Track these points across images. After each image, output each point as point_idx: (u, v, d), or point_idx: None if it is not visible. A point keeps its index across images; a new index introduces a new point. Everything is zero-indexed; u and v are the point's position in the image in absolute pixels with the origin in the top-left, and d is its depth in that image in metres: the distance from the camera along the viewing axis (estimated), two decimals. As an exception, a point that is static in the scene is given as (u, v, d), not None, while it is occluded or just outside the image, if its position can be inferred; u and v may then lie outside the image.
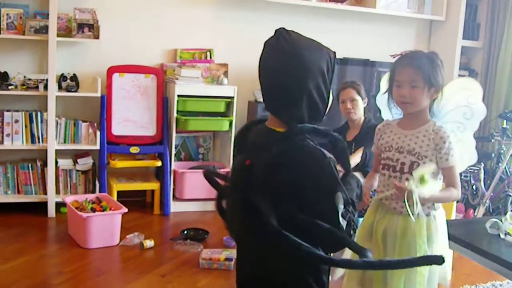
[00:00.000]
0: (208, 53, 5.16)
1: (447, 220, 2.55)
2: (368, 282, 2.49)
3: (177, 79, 4.82)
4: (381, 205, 2.51)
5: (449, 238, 2.58)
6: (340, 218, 1.63)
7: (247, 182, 1.70)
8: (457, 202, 4.30)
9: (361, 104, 3.99)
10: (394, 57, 2.46)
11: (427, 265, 2.20)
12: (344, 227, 1.65)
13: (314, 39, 1.78)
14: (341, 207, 1.64)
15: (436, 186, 2.33)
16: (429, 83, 2.34)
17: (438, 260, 1.68)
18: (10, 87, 4.43)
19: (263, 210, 1.63)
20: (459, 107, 2.53)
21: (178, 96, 4.79)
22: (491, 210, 5.14)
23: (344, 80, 4.45)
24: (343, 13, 5.58)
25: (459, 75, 5.71)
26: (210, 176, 2.00)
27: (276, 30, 1.76)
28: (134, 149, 4.78)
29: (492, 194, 5.03)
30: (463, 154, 2.57)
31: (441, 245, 2.43)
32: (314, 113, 1.74)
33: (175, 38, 5.12)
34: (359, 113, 4.00)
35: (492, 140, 5.27)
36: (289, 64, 1.69)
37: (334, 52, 1.76)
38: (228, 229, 1.94)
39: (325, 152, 1.70)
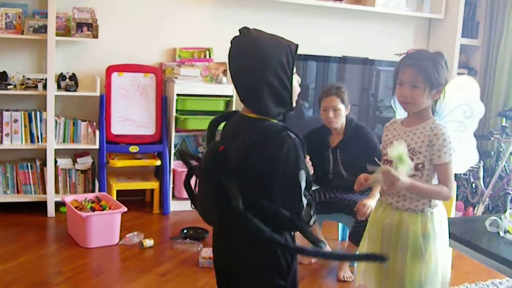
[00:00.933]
0: (207, 52, 5.15)
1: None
2: (384, 278, 2.52)
3: (176, 78, 4.82)
4: (381, 202, 2.56)
5: (449, 237, 2.57)
6: (303, 197, 1.82)
7: (219, 167, 1.85)
8: (456, 201, 4.32)
9: (343, 113, 3.85)
10: (399, 55, 2.45)
11: (370, 261, 2.25)
12: (305, 206, 1.83)
13: (275, 35, 1.93)
14: (303, 185, 1.81)
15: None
16: (430, 84, 2.34)
17: (381, 258, 1.94)
18: (9, 87, 4.43)
19: (231, 193, 1.79)
20: (459, 105, 2.54)
21: (177, 95, 4.79)
22: (490, 208, 5.15)
23: (329, 84, 4.35)
24: (342, 12, 5.58)
25: (458, 73, 5.71)
26: (184, 157, 2.13)
27: (239, 29, 1.91)
28: (133, 148, 4.77)
29: (491, 192, 5.04)
30: (464, 155, 2.57)
31: (439, 244, 2.43)
32: (279, 101, 1.89)
33: (174, 37, 5.12)
34: (341, 121, 3.88)
35: (492, 138, 5.27)
36: (248, 60, 1.87)
37: (296, 45, 1.91)
38: (200, 214, 2.05)
39: (291, 133, 1.85)
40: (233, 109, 4.90)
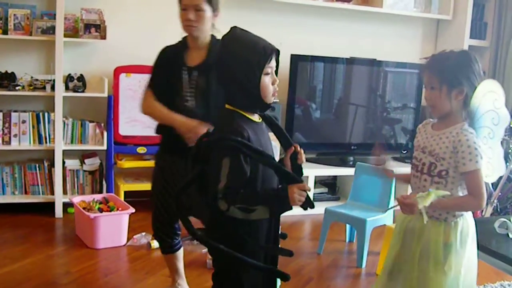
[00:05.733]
0: (215, 53, 5.15)
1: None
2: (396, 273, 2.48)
3: (183, 79, 4.81)
4: None
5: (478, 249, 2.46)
6: (222, 182, 1.95)
7: (195, 153, 2.09)
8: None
9: (209, 18, 2.95)
10: (426, 58, 2.40)
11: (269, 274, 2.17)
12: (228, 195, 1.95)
13: (258, 37, 2.08)
14: (225, 171, 1.96)
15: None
16: (447, 84, 2.26)
17: (282, 276, 2.07)
18: (17, 88, 4.44)
19: (189, 179, 2.09)
20: (488, 111, 2.38)
21: (185, 96, 4.79)
22: (498, 209, 5.13)
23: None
24: (350, 13, 5.57)
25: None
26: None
27: (230, 27, 2.11)
28: (141, 149, 4.78)
29: (500, 193, 5.02)
30: (494, 163, 2.43)
31: (462, 255, 2.33)
32: (246, 95, 2.06)
33: (181, 38, 5.11)
34: (205, 30, 2.98)
35: (503, 140, 5.25)
36: (223, 55, 2.09)
37: (274, 49, 2.07)
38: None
39: (243, 146, 1.97)
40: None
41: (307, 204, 2.01)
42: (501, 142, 5.25)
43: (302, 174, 2.20)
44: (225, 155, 1.97)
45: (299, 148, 2.20)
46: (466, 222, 2.36)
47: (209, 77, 2.90)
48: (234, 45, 2.06)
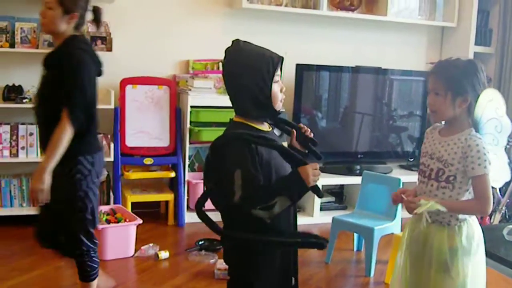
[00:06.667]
0: (221, 64, 5.17)
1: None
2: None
3: (189, 90, 4.84)
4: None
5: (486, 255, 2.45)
6: (237, 194, 1.95)
7: (207, 161, 2.17)
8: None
9: (58, 17, 2.79)
10: (431, 64, 2.41)
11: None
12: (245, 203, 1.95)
13: (262, 47, 2.12)
14: (238, 183, 1.96)
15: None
16: (453, 91, 2.28)
17: (316, 244, 2.02)
18: (24, 100, 4.47)
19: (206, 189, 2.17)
20: (491, 119, 2.39)
21: (191, 107, 4.81)
22: (507, 216, 5.10)
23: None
24: (354, 22, 5.59)
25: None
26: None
27: (232, 41, 2.15)
28: (148, 161, 4.79)
29: (508, 200, 4.99)
30: (499, 169, 2.43)
31: (469, 261, 2.32)
32: (258, 105, 2.09)
33: (187, 49, 5.15)
34: (54, 29, 2.85)
35: (507, 146, 5.22)
36: (231, 67, 2.11)
37: (280, 57, 2.10)
38: None
39: (246, 135, 2.03)
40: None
41: (316, 191, 2.03)
42: (508, 149, 5.26)
43: (316, 143, 2.30)
44: (235, 168, 1.97)
45: (302, 125, 2.30)
46: (471, 227, 2.36)
47: (44, 74, 2.93)
48: (242, 57, 2.08)
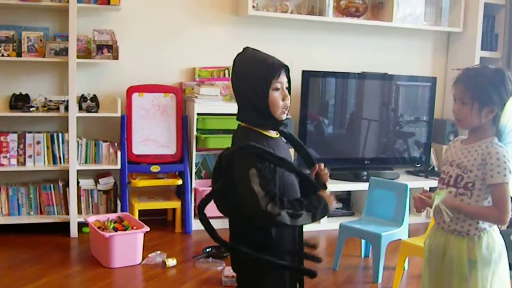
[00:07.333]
0: (227, 71, 5.19)
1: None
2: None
3: (196, 97, 4.84)
4: (435, 225, 2.47)
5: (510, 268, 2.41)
6: (259, 195, 1.95)
7: (217, 166, 2.18)
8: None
9: None
10: (458, 70, 2.36)
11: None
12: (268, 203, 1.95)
13: (268, 55, 2.13)
14: (256, 181, 1.96)
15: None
16: (480, 101, 2.25)
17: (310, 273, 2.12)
18: (31, 109, 4.49)
19: (212, 191, 2.19)
20: None
21: (198, 114, 4.82)
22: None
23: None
24: (360, 28, 5.59)
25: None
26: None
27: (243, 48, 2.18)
28: (154, 168, 4.80)
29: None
30: None
31: (488, 272, 2.28)
32: (257, 111, 2.09)
33: (193, 56, 5.16)
34: None
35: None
36: (235, 75, 2.16)
37: (283, 65, 2.09)
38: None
39: (267, 154, 2.02)
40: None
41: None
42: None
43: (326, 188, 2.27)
44: (250, 167, 1.98)
45: (323, 167, 2.25)
46: (492, 238, 2.32)
47: None
48: (244, 63, 2.12)
